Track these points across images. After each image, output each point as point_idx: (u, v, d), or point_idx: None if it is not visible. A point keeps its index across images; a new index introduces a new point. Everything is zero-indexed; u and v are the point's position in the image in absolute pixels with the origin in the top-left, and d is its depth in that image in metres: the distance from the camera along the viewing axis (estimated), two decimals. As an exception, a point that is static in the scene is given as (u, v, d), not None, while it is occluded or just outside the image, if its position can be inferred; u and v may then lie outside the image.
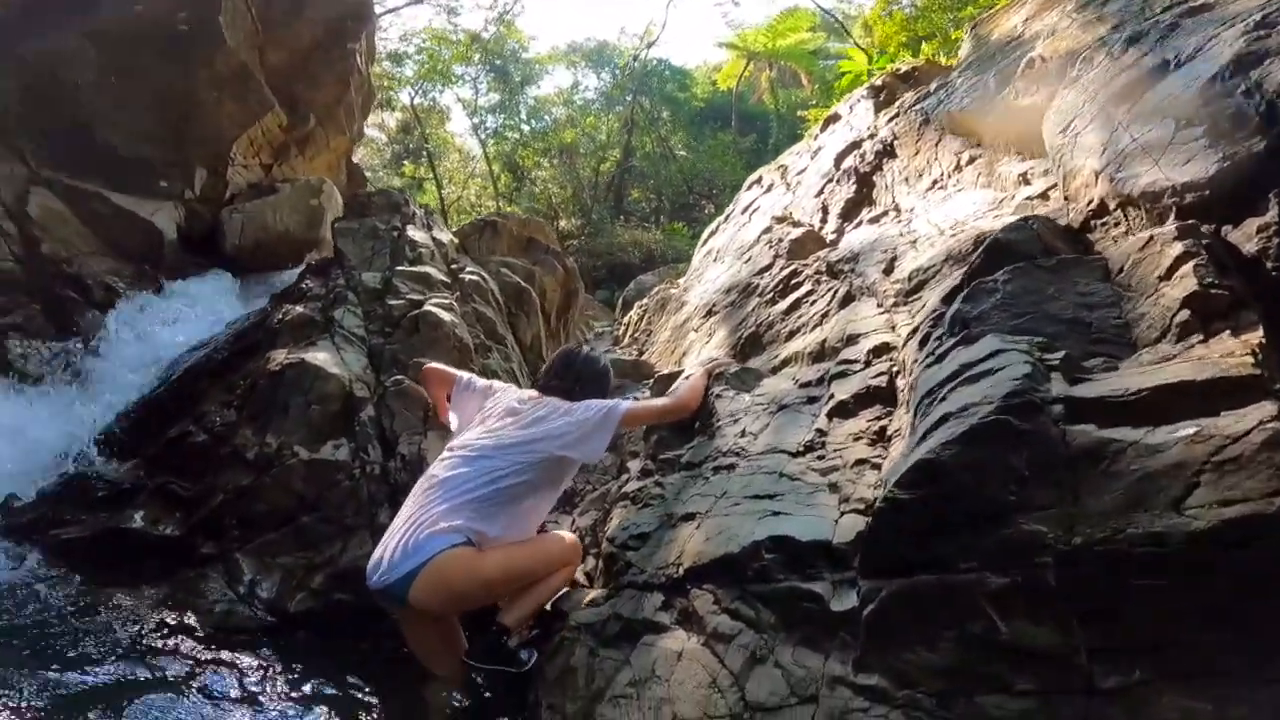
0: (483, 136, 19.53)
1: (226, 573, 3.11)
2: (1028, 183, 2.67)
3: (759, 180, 6.34)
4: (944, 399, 1.60)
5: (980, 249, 2.08)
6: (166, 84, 6.31)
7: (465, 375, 2.93)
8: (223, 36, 6.44)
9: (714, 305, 4.07)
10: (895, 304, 2.50)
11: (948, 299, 2.00)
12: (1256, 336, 1.41)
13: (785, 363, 2.85)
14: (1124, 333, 1.68)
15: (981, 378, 1.57)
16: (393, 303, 4.03)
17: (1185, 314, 1.55)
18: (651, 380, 3.74)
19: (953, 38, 7.93)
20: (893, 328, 2.36)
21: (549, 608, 2.45)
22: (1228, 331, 1.47)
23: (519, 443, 2.40)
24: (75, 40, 6.02)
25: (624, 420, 2.51)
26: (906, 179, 3.85)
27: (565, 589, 2.48)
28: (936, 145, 3.75)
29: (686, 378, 2.98)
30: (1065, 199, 2.18)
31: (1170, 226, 1.74)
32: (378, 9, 14.23)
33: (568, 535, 2.65)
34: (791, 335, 3.05)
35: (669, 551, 2.14)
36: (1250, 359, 1.35)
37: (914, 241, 2.87)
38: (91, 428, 4.00)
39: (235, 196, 6.93)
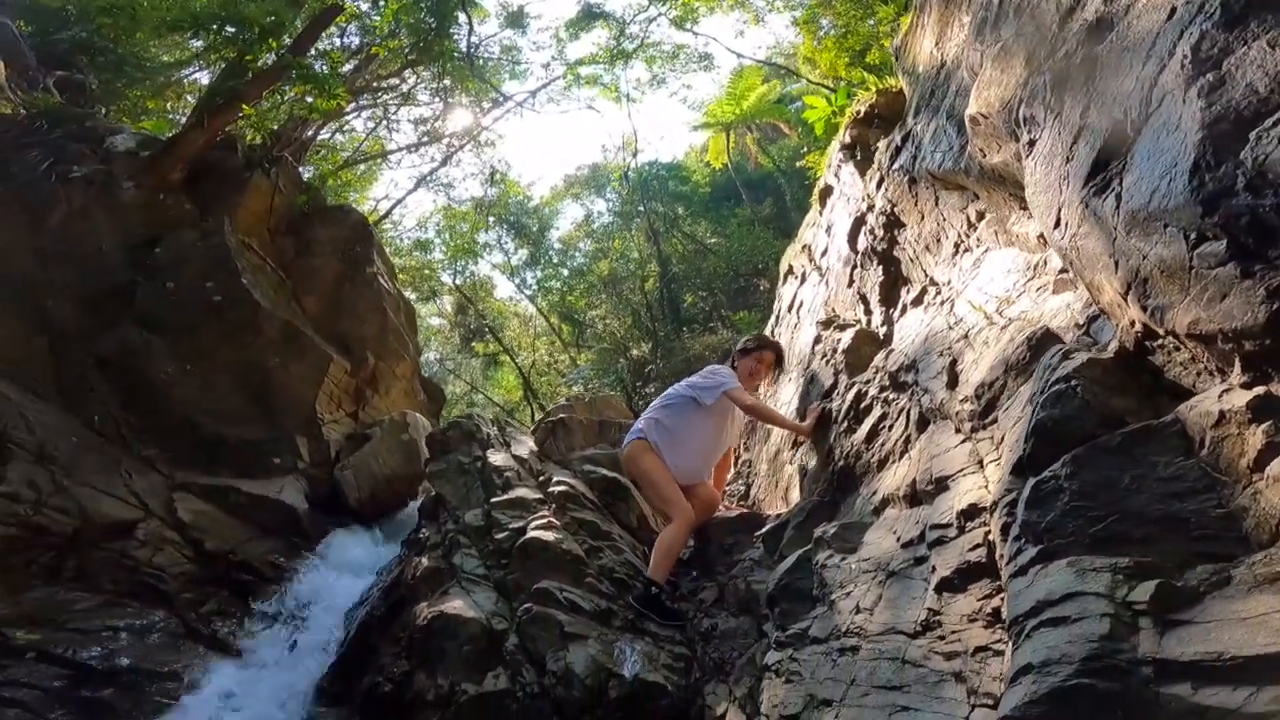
0: (528, 294, 20.54)
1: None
2: (1055, 252, 2.55)
3: (791, 270, 6.40)
4: (1028, 635, 1.53)
5: (1030, 431, 1.88)
6: (234, 361, 7.00)
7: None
8: (254, 298, 7.10)
9: (797, 434, 4.04)
10: (974, 429, 2.40)
11: (1019, 468, 1.89)
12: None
13: (885, 502, 2.77)
14: (1231, 524, 1.44)
15: (1060, 624, 1.49)
16: (499, 536, 4.27)
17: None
18: (763, 532, 3.71)
19: (884, 45, 7.77)
20: (980, 463, 2.26)
21: None
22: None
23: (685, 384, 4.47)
24: (136, 332, 6.79)
25: (732, 393, 4.15)
26: (927, 247, 3.81)
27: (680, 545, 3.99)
28: (937, 205, 3.67)
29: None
30: (1101, 311, 1.95)
31: (1240, 396, 1.48)
32: (385, 204, 15.77)
33: (688, 510, 4.02)
34: (882, 465, 2.99)
35: (819, 740, 2.12)
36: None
37: (966, 335, 2.80)
38: (305, 687, 4.47)
39: (339, 453, 7.50)
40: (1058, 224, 2.00)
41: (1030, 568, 1.66)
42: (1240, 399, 1.47)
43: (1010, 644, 1.62)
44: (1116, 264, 1.70)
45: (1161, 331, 1.64)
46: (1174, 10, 1.72)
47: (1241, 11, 1.52)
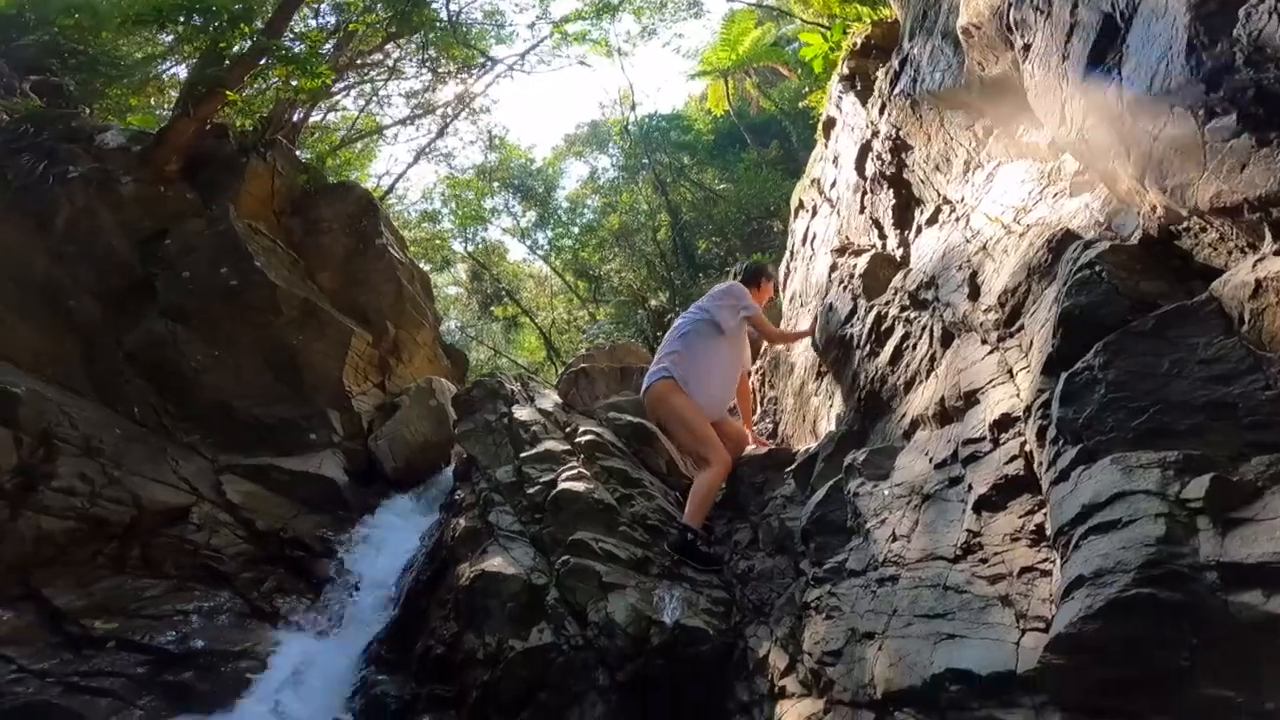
0: (541, 255, 20.46)
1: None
2: (1064, 150, 2.45)
3: (802, 205, 6.27)
4: (1077, 545, 1.46)
5: (1058, 322, 1.79)
6: (257, 342, 7.09)
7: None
8: (269, 279, 7.15)
9: (820, 365, 4.02)
10: (1000, 338, 2.34)
11: (1050, 366, 1.82)
12: None
13: (915, 424, 2.74)
14: (1283, 406, 1.30)
15: (1111, 529, 1.40)
16: (531, 490, 4.32)
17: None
18: (793, 467, 3.73)
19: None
20: (1009, 372, 2.21)
21: None
22: None
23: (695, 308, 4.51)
24: (161, 323, 6.91)
25: (755, 321, 4.26)
26: (937, 167, 3.71)
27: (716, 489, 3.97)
28: (943, 125, 3.59)
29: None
30: (1120, 202, 1.88)
31: (1275, 263, 1.40)
32: (387, 179, 15.69)
33: (723, 452, 3.99)
34: (909, 387, 2.95)
35: (863, 672, 2.14)
36: None
37: (984, 246, 2.72)
38: (363, 656, 4.66)
39: (371, 424, 7.64)
40: (1063, 121, 1.94)
41: (1072, 470, 1.59)
42: (1276, 265, 1.40)
43: (1058, 558, 1.56)
44: (1128, 150, 1.66)
45: (1184, 211, 1.58)
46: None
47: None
